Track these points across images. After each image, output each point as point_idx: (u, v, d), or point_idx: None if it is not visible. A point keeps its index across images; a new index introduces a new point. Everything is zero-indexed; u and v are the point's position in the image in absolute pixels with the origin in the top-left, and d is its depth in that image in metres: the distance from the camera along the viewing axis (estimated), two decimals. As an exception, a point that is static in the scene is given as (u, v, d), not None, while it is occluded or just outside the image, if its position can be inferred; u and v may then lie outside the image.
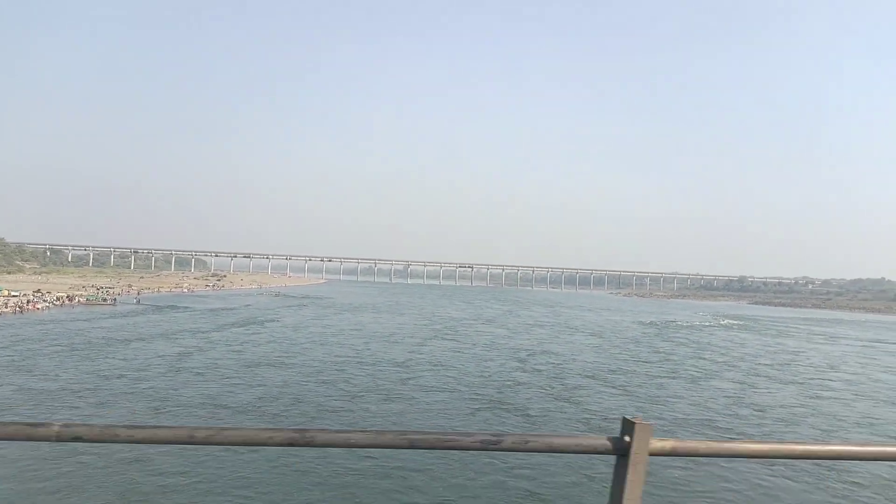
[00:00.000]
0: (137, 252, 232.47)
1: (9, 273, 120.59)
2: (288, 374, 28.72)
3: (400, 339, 46.28)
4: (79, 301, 72.42)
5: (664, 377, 33.68)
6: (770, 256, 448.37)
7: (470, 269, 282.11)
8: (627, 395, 27.87)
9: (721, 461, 16.46)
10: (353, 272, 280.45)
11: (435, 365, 33.94)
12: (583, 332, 60.88)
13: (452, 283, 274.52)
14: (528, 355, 39.99)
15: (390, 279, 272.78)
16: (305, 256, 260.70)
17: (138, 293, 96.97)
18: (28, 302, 63.80)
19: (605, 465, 16.42)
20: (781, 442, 2.06)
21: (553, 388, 28.91)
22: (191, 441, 1.75)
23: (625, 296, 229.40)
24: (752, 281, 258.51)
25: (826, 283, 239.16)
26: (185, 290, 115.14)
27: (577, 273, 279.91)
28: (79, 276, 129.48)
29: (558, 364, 36.64)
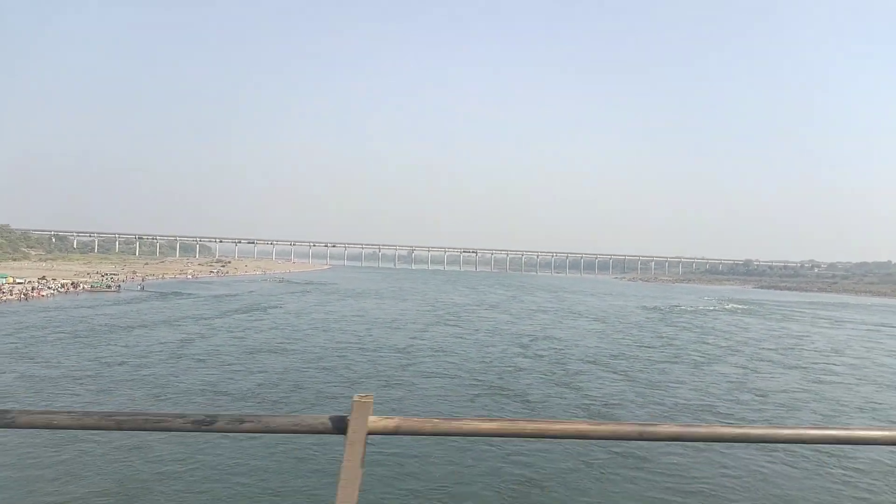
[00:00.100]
0: (142, 238, 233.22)
1: (14, 260, 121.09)
2: (289, 361, 28.76)
3: (402, 324, 46.31)
4: (83, 288, 72.69)
5: (666, 362, 33.59)
6: (776, 240, 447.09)
7: (474, 254, 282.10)
8: (628, 381, 27.80)
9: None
10: (357, 258, 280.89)
11: (436, 351, 33.94)
12: (586, 317, 60.82)
13: (457, 268, 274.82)
14: (531, 341, 39.96)
15: (394, 265, 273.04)
16: (309, 242, 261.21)
17: (142, 280, 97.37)
18: (33, 289, 64.08)
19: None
20: (551, 421, 1.89)
21: (554, 373, 28.88)
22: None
23: (629, 280, 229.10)
24: (757, 265, 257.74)
25: (832, 266, 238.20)
26: (190, 277, 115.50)
27: (581, 258, 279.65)
28: (84, 263, 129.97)
29: (560, 349, 36.60)
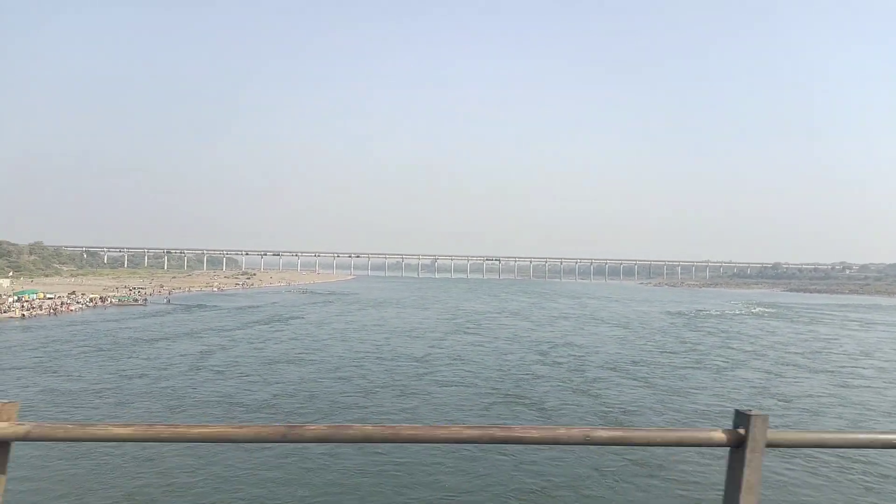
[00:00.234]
0: (170, 252, 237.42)
1: (46, 276, 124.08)
2: (306, 371, 28.89)
3: (421, 333, 46.29)
4: (111, 302, 74.06)
5: (688, 368, 33.01)
6: (807, 243, 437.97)
7: (497, 262, 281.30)
8: (648, 387, 27.33)
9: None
10: (380, 268, 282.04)
11: (454, 359, 33.81)
12: (608, 323, 60.14)
13: (480, 276, 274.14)
14: (550, 348, 39.61)
15: (418, 274, 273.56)
16: (334, 253, 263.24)
17: (169, 293, 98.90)
18: (62, 304, 65.50)
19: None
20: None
21: (572, 380, 28.53)
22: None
23: (655, 285, 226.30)
24: (786, 268, 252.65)
25: (864, 268, 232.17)
26: (215, 289, 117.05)
27: (606, 263, 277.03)
28: (113, 278, 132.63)
29: (580, 356, 36.20)
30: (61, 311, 61.95)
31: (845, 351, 42.18)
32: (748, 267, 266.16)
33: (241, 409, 21.28)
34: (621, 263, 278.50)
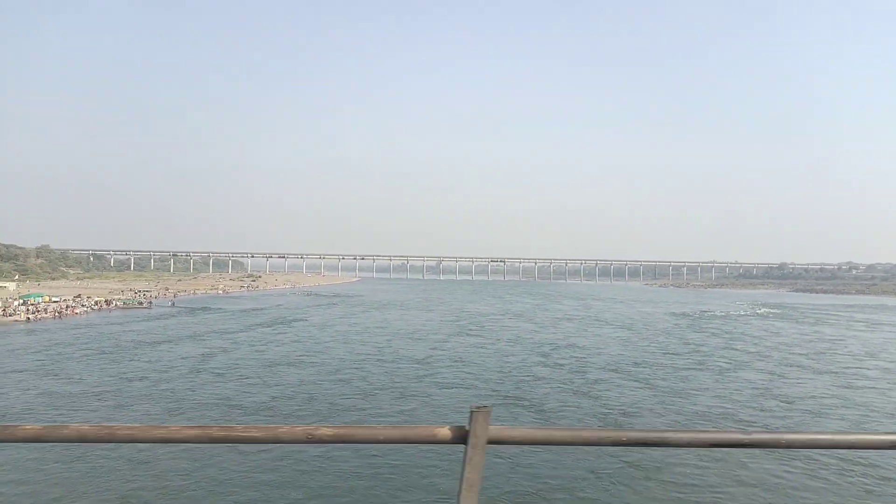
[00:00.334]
0: (177, 255, 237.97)
1: (53, 279, 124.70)
2: (306, 373, 28.90)
3: (423, 335, 46.24)
4: (116, 305, 74.35)
5: (690, 369, 32.85)
6: (813, 243, 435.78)
7: (502, 264, 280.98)
8: (649, 388, 27.22)
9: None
10: (385, 269, 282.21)
11: (455, 361, 33.75)
12: (612, 324, 59.94)
13: (485, 277, 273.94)
14: (552, 349, 39.50)
15: (422, 276, 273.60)
16: (339, 255, 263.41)
17: (174, 296, 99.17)
18: (67, 307, 65.81)
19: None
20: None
21: (573, 382, 28.43)
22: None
23: (660, 286, 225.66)
24: (793, 268, 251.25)
25: (871, 268, 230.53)
26: (220, 292, 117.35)
27: (611, 264, 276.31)
28: (119, 281, 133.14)
29: (582, 358, 36.08)
30: (66, 314, 62.22)
31: (850, 352, 41.89)
32: (754, 267, 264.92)
33: (239, 411, 21.30)
34: (626, 264, 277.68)
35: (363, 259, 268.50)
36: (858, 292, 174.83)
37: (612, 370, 31.91)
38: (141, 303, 78.30)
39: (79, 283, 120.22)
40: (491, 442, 1.83)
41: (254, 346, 38.51)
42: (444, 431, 1.84)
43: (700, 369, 32.85)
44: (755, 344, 45.08)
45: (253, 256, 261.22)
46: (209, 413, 20.83)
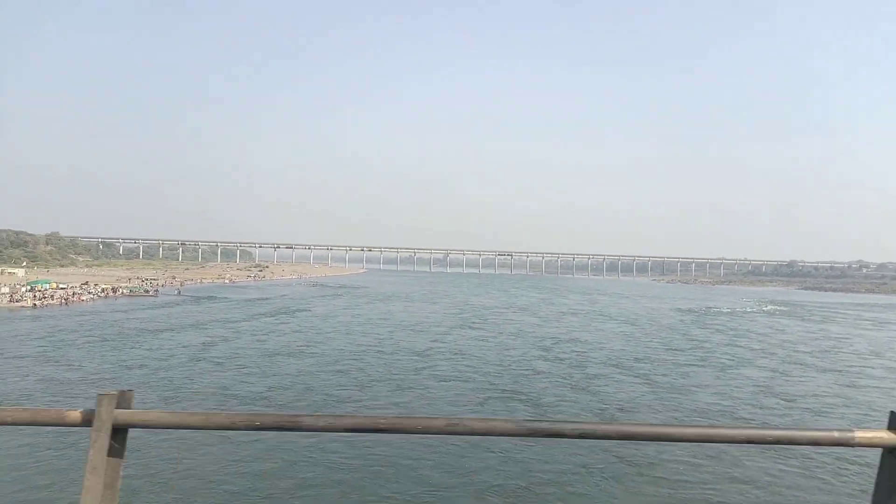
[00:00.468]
0: (185, 244, 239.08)
1: (62, 266, 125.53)
2: (305, 364, 28.92)
3: (426, 328, 46.19)
4: (122, 293, 74.81)
5: (692, 365, 32.63)
6: (825, 241, 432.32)
7: (510, 257, 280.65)
8: (648, 384, 27.06)
9: None
10: (392, 262, 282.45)
11: (455, 354, 33.69)
12: (616, 319, 59.68)
13: (492, 271, 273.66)
14: (554, 344, 39.36)
15: (430, 268, 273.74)
16: (346, 246, 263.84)
17: (181, 284, 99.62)
18: (73, 294, 66.25)
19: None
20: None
21: (572, 377, 28.31)
22: None
23: (668, 282, 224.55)
24: (802, 265, 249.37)
25: (882, 266, 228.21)
26: (227, 281, 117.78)
27: (619, 260, 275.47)
28: (127, 269, 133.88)
29: (583, 352, 35.92)
30: (73, 301, 62.66)
31: (855, 350, 41.51)
32: (763, 264, 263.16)
33: (236, 400, 21.33)
34: (634, 260, 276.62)
35: (370, 251, 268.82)
36: (868, 291, 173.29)
37: (613, 365, 31.76)
38: (147, 291, 78.69)
39: (87, 270, 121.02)
40: (118, 426, 1.76)
41: (255, 335, 38.59)
42: (74, 415, 1.80)
43: (702, 366, 32.62)
44: (759, 341, 44.74)
45: (261, 247, 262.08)
46: (205, 403, 20.87)
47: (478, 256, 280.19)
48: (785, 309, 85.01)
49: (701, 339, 44.62)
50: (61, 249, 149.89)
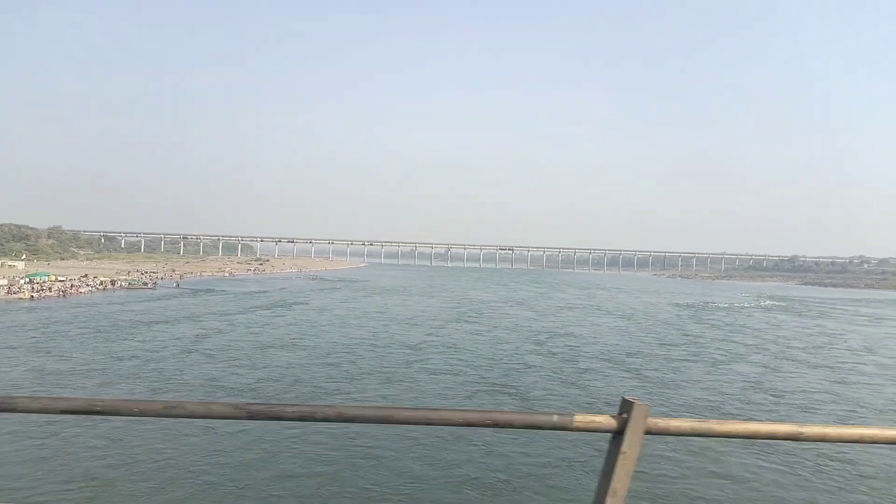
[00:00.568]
0: (187, 238, 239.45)
1: (62, 259, 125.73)
2: (296, 356, 28.97)
3: (421, 321, 46.23)
4: (120, 285, 74.93)
5: (685, 360, 32.63)
6: (827, 237, 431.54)
7: (511, 252, 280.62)
8: (640, 379, 27.08)
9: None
10: (394, 256, 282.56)
11: (448, 347, 33.72)
12: (613, 314, 59.68)
13: (493, 265, 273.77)
14: (548, 338, 39.38)
15: (430, 262, 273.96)
16: (347, 241, 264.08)
17: (180, 277, 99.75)
18: (72, 286, 66.36)
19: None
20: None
21: (564, 371, 28.33)
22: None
23: (668, 277, 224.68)
24: (803, 261, 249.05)
25: (883, 262, 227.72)
26: (226, 275, 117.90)
27: (620, 254, 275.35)
28: (127, 262, 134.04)
29: (577, 347, 35.94)
30: (70, 293, 62.77)
31: (849, 346, 41.49)
32: (764, 259, 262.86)
33: (223, 392, 21.40)
34: (635, 254, 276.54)
35: (371, 245, 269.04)
36: (868, 286, 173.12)
37: (605, 360, 31.77)
38: (146, 283, 78.80)
39: (87, 263, 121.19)
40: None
41: (250, 328, 38.66)
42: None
43: (694, 361, 32.62)
44: (754, 336, 44.75)
45: (262, 241, 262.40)
46: (193, 395, 20.93)
47: (479, 251, 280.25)
48: (782, 304, 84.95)
49: (696, 334, 44.63)
50: (63, 243, 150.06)
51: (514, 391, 23.58)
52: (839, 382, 28.28)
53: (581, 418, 1.80)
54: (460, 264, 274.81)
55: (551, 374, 27.56)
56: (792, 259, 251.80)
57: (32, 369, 24.07)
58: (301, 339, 34.73)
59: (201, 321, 41.45)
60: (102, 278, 78.54)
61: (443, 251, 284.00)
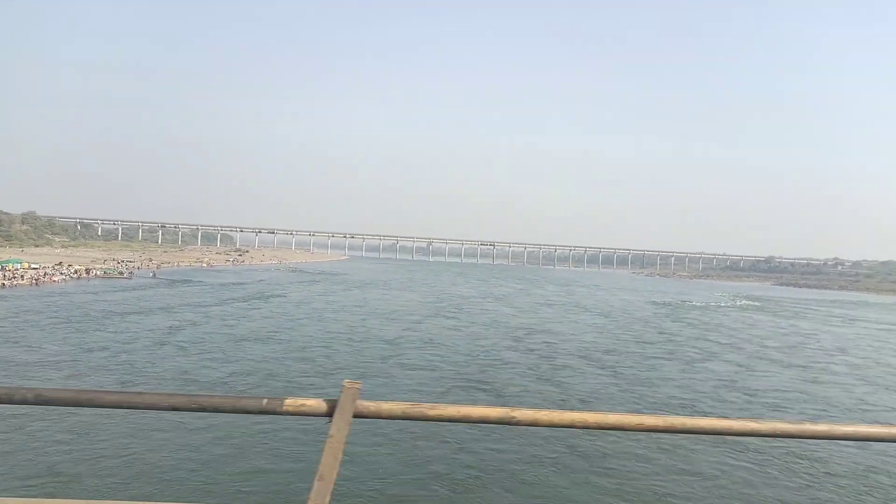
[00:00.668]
0: (165, 227, 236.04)
1: (36, 246, 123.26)
2: (270, 350, 28.68)
3: (399, 316, 46.06)
4: (95, 274, 73.72)
5: (659, 358, 32.91)
6: (803, 238, 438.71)
7: (492, 247, 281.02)
8: (613, 376, 27.24)
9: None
10: (375, 249, 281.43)
11: (425, 343, 33.64)
12: (591, 311, 60.06)
13: (474, 260, 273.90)
14: (526, 334, 39.47)
15: (412, 256, 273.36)
16: (328, 233, 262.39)
17: (157, 267, 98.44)
18: (45, 274, 65.11)
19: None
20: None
21: (540, 367, 28.40)
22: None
23: (647, 275, 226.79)
24: (779, 262, 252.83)
25: (856, 264, 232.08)
26: (205, 265, 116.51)
27: (600, 252, 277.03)
28: (103, 250, 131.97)
29: (553, 343, 36.07)
30: (43, 281, 61.60)
31: (822, 346, 42.18)
32: (741, 260, 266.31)
33: (194, 386, 21.11)
34: (615, 252, 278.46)
35: (353, 238, 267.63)
36: (841, 288, 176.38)
37: (581, 357, 31.92)
38: (122, 273, 77.62)
39: (62, 251, 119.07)
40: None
41: (225, 320, 38.21)
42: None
43: (669, 359, 32.92)
44: (728, 336, 45.31)
45: (242, 231, 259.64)
46: (164, 387, 20.62)
47: (460, 245, 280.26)
48: (758, 304, 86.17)
49: (671, 333, 45.05)
50: (37, 229, 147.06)
51: (489, 387, 23.57)
52: (811, 382, 28.74)
53: (291, 402, 1.82)
54: (441, 259, 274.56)
55: (527, 370, 27.63)
56: (768, 260, 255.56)
57: (-1, 360, 23.58)
58: (276, 332, 34.40)
59: (176, 312, 40.88)
60: (77, 266, 77.23)
61: (424, 245, 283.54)
